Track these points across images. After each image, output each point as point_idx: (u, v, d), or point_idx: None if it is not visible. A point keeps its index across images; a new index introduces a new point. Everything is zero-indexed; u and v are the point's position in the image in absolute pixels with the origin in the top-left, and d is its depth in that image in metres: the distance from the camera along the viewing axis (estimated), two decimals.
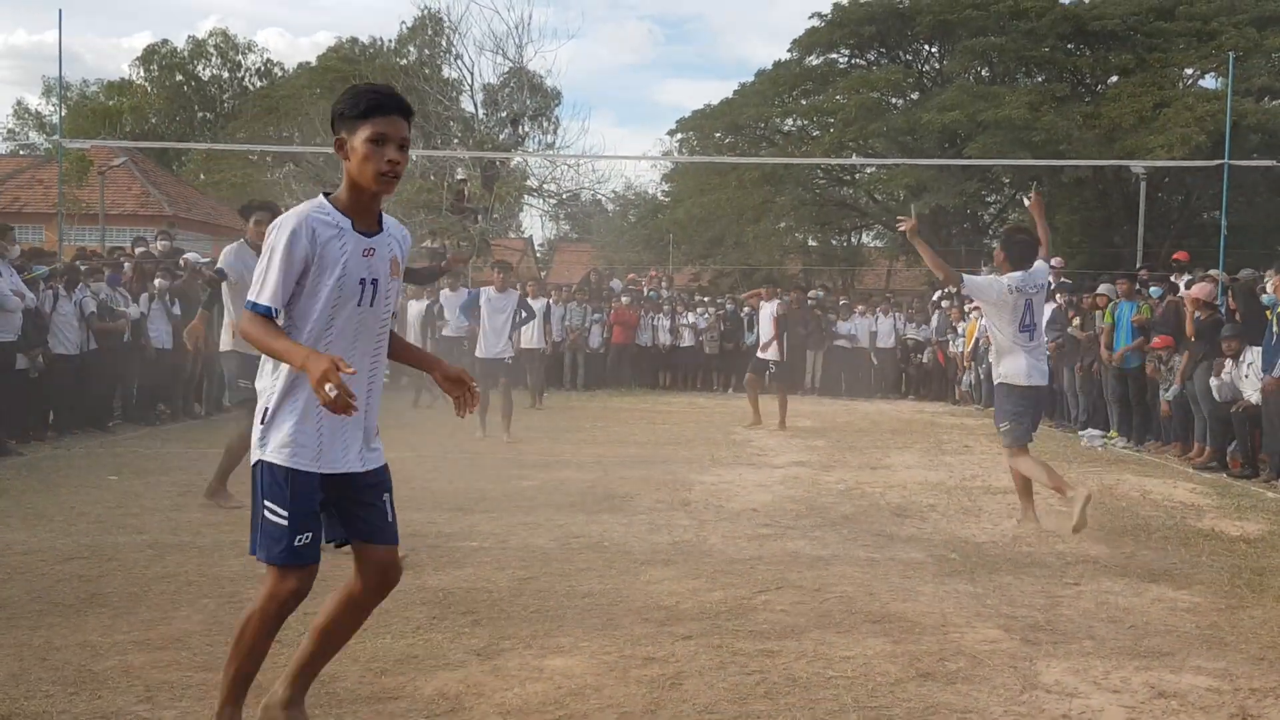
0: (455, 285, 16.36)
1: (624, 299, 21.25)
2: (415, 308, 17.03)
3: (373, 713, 3.82)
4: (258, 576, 5.56)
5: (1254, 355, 10.01)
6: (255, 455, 3.33)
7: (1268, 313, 9.81)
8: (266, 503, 3.31)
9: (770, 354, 13.91)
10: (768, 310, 14.08)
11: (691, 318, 21.43)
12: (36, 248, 13.88)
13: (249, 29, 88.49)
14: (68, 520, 7.04)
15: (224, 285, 7.48)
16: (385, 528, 3.52)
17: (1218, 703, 4.05)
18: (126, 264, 13.14)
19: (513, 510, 7.65)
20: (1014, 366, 7.31)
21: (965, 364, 18.63)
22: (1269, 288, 10.07)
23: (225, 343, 7.49)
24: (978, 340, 17.97)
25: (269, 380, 3.33)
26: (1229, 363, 10.35)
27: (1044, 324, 7.96)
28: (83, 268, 12.02)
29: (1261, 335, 9.87)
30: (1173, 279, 14.03)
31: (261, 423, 3.31)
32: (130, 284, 12.70)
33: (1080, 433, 13.22)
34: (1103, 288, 13.83)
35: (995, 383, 7.66)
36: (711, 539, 6.81)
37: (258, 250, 6.06)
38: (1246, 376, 10.12)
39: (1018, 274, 7.26)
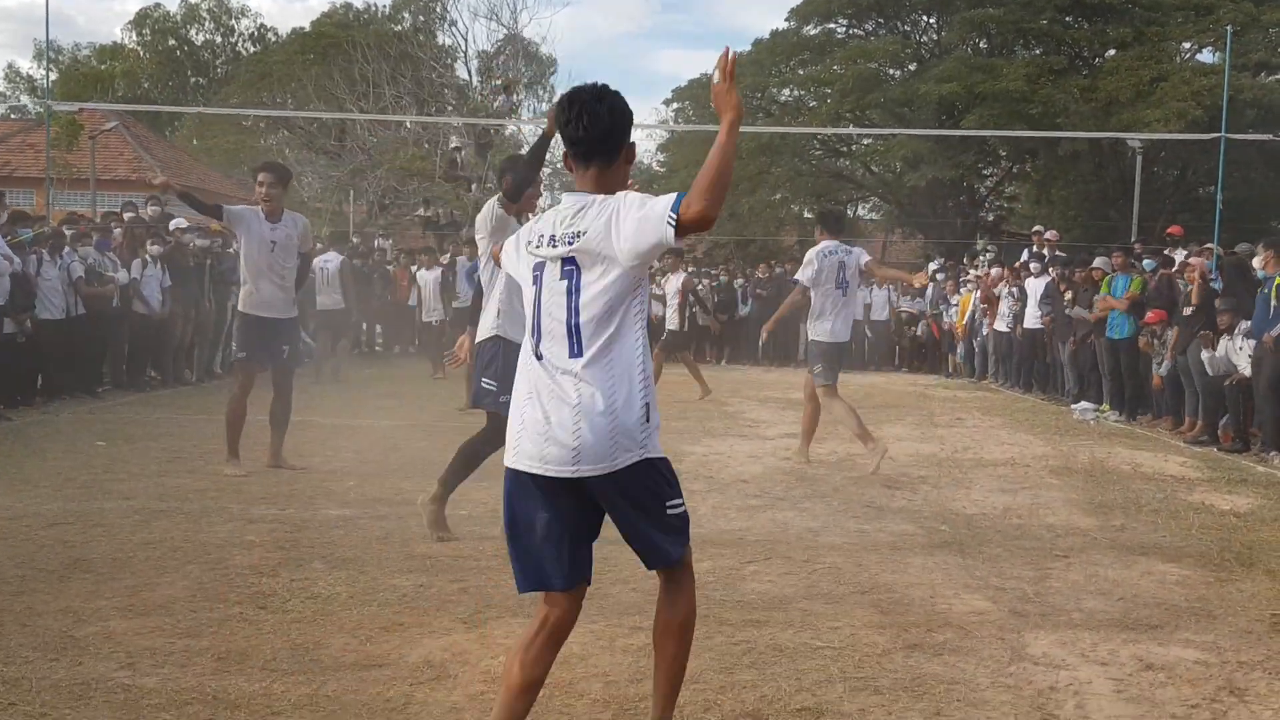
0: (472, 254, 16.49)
1: None
2: (429, 276, 17.18)
3: (358, 680, 3.79)
4: (244, 543, 5.56)
5: (1246, 328, 10.00)
6: (646, 455, 3.08)
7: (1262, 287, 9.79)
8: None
9: (673, 324, 14.18)
10: (674, 282, 14.47)
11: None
12: (22, 210, 13.73)
13: None
14: (54, 486, 7.00)
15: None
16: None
17: (1205, 675, 4.04)
18: (117, 229, 13.03)
19: (502, 479, 7.59)
20: (822, 329, 8.43)
21: (960, 335, 18.61)
22: (1258, 262, 10.06)
23: (486, 328, 5.77)
24: (972, 313, 17.95)
25: (640, 383, 3.06)
26: (1224, 336, 10.34)
27: (855, 284, 8.63)
28: (69, 232, 11.90)
29: (1253, 309, 9.86)
30: (1166, 253, 13.98)
31: (646, 420, 3.07)
32: (120, 249, 12.60)
33: (1073, 406, 13.20)
34: (1097, 261, 13.79)
35: (810, 339, 8.71)
36: (701, 509, 6.78)
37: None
38: (1240, 349, 10.11)
39: (830, 242, 8.50)
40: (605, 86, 3.15)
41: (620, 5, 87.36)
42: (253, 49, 49.54)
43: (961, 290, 18.91)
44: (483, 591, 4.82)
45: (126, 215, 13.92)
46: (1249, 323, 9.90)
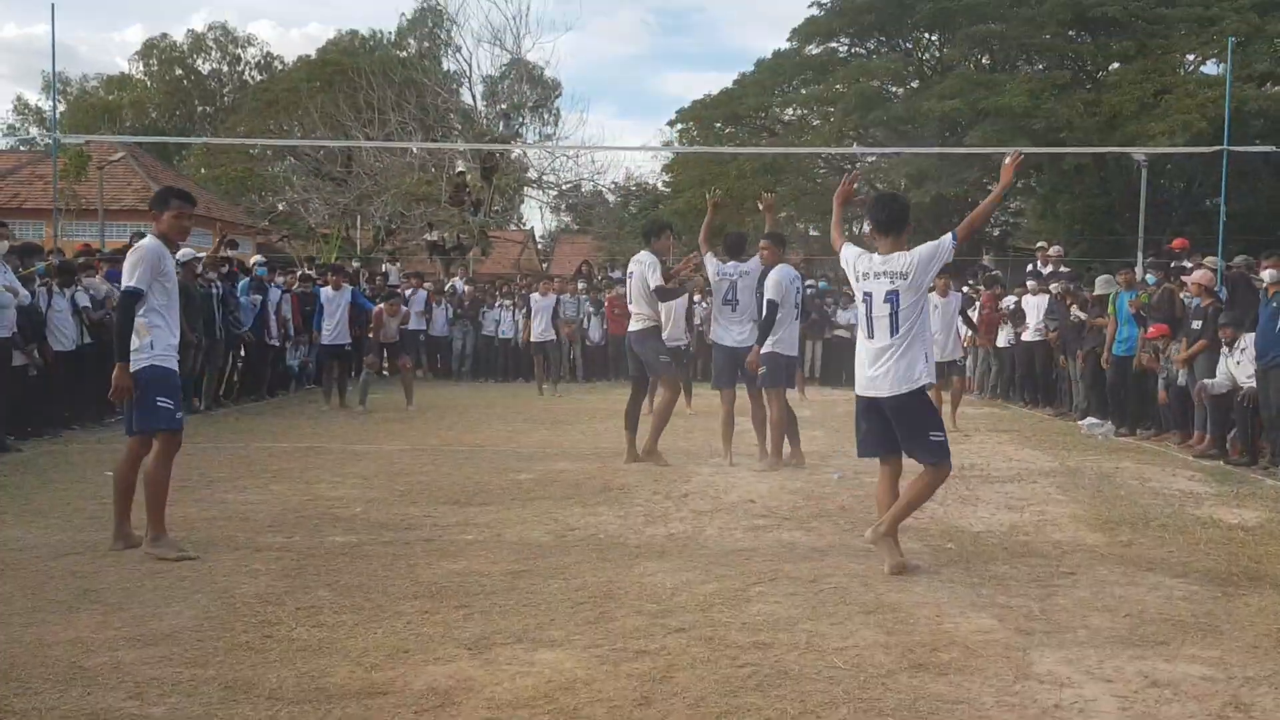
0: (545, 290, 18.67)
1: (619, 289, 21.24)
2: (545, 302, 18.26)
3: (362, 708, 3.80)
4: (250, 572, 5.58)
5: (1248, 342, 9.98)
6: None
7: (1270, 288, 9.76)
8: None
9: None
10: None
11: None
12: (31, 243, 13.83)
13: (240, 21, 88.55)
14: (63, 516, 7.04)
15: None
16: None
17: (1211, 691, 4.03)
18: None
19: (509, 503, 7.64)
20: (717, 332, 9.70)
21: (966, 347, 18.54)
22: (1264, 274, 10.04)
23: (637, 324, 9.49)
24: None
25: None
26: (1223, 351, 10.33)
27: (750, 302, 9.51)
28: (79, 260, 11.99)
29: (1256, 322, 9.84)
30: (1172, 264, 13.97)
31: None
32: None
33: (1080, 421, 13.18)
34: (1100, 281, 13.70)
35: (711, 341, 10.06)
36: (707, 530, 6.79)
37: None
38: (1239, 364, 10.09)
39: (731, 264, 9.56)
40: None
41: (622, 28, 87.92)
42: (259, 77, 49.92)
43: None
44: (488, 618, 4.83)
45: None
46: (1252, 335, 9.88)
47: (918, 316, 5.77)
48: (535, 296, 18.59)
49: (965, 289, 14.99)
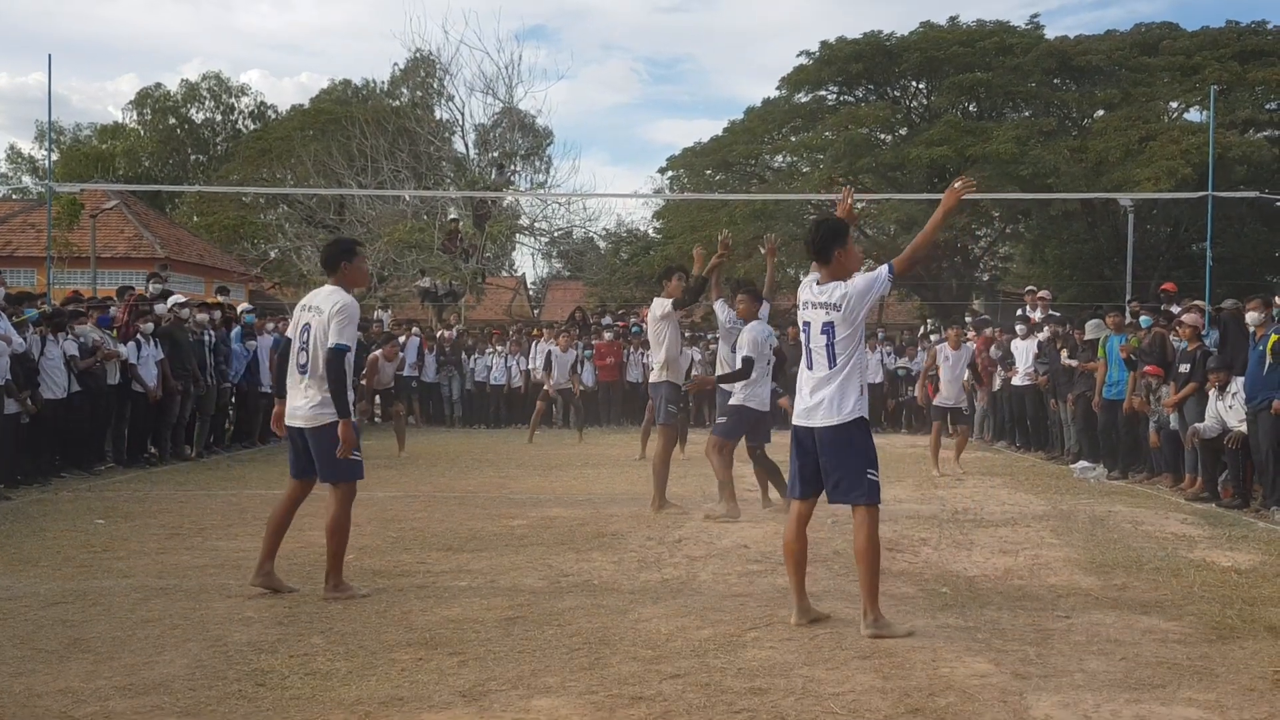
0: (565, 345, 18.80)
1: (607, 334, 21.32)
2: (567, 358, 18.53)
3: None
4: (243, 620, 5.54)
5: (1238, 385, 10.03)
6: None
7: (1257, 331, 9.84)
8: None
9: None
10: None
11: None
12: (25, 290, 13.85)
13: (232, 70, 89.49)
14: (53, 565, 6.99)
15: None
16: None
17: None
18: (114, 308, 13.13)
19: (502, 549, 7.61)
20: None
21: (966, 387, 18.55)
22: (1249, 318, 10.13)
23: (656, 375, 9.73)
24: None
25: None
26: (1212, 395, 10.38)
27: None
28: (69, 308, 12.00)
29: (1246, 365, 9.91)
30: (1163, 308, 14.06)
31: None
32: (124, 327, 12.71)
33: (1072, 465, 13.20)
34: (1090, 325, 13.77)
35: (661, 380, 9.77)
36: (701, 576, 6.78)
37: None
38: (1231, 407, 10.14)
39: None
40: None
41: (613, 77, 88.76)
42: (252, 126, 50.17)
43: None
44: (483, 664, 4.81)
45: (124, 295, 14.03)
46: (1242, 379, 9.94)
47: (855, 348, 5.57)
48: (555, 350, 18.63)
49: (969, 340, 15.00)
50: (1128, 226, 22.49)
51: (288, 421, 6.18)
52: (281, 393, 6.38)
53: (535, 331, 22.34)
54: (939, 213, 5.65)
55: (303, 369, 6.12)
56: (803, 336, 5.70)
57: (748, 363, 9.02)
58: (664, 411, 9.61)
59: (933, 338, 20.16)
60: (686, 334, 17.64)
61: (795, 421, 5.68)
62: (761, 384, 9.25)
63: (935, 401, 13.36)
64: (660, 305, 9.54)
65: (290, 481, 6.31)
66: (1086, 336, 13.66)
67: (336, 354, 6.02)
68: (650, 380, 9.84)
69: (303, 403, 6.12)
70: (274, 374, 6.79)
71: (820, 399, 5.55)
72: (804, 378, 5.68)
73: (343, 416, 6.04)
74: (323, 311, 6.10)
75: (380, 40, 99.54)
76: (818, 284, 5.66)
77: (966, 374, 13.49)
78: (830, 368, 5.56)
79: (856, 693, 4.44)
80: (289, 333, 6.38)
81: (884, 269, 5.60)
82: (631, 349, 21.17)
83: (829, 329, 5.57)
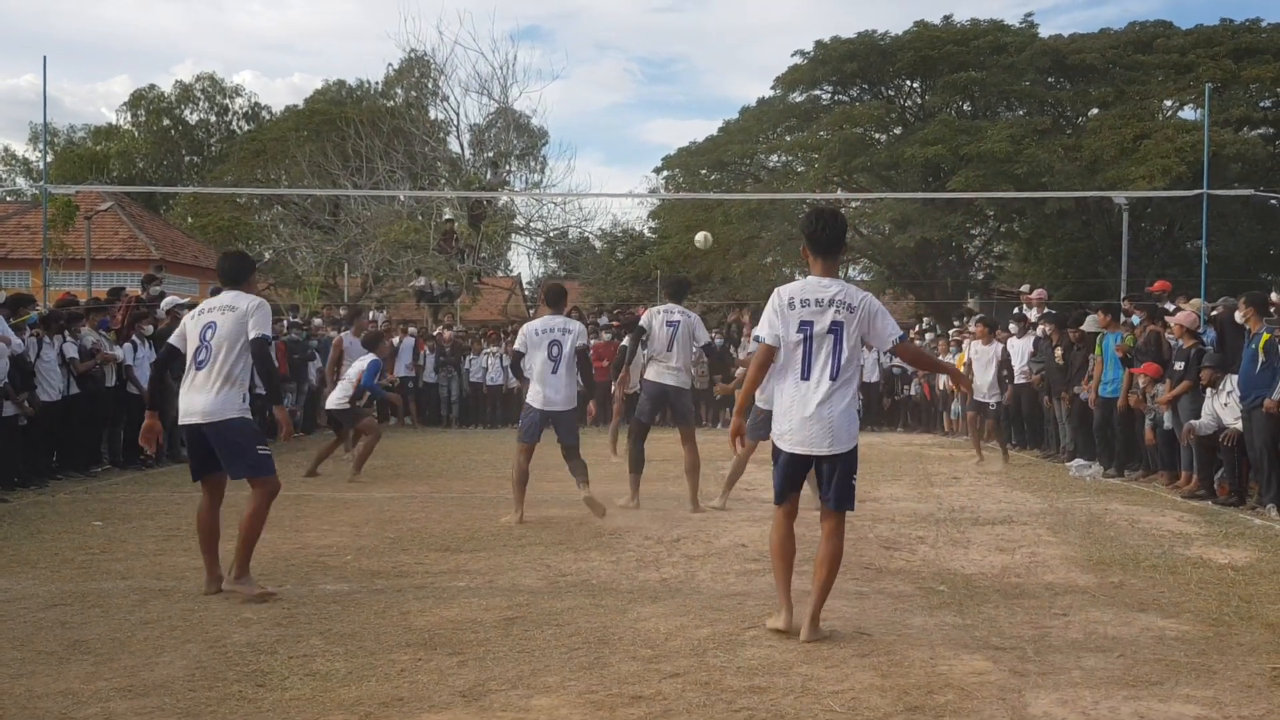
0: None
1: (604, 335, 21.30)
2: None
3: None
4: (242, 621, 5.54)
5: (1233, 383, 10.06)
6: None
7: (1251, 329, 9.87)
8: None
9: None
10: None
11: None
12: (20, 292, 13.83)
13: (225, 71, 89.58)
14: (51, 567, 6.99)
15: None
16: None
17: None
18: (115, 308, 13.13)
19: (500, 549, 7.62)
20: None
21: (959, 391, 18.60)
22: (1238, 317, 10.16)
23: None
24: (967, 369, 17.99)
25: None
26: (1209, 392, 10.40)
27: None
28: (68, 310, 11.99)
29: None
30: (1158, 305, 14.09)
31: None
32: (121, 330, 12.69)
33: (1068, 464, 13.23)
34: (1088, 320, 13.83)
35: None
36: (700, 575, 6.79)
37: None
38: (1226, 405, 10.16)
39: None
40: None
41: (608, 77, 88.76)
42: (247, 127, 50.13)
43: (952, 350, 18.99)
44: (482, 664, 4.81)
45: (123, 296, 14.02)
46: (1236, 376, 9.96)
47: (858, 359, 5.22)
48: None
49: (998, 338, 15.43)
50: (1122, 225, 22.53)
51: (184, 421, 6.13)
52: (155, 405, 6.41)
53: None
54: (952, 374, 6.67)
55: (201, 364, 6.09)
56: (798, 339, 5.15)
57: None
58: (691, 417, 9.98)
59: (928, 336, 20.18)
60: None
61: (790, 449, 5.20)
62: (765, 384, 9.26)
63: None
64: (697, 319, 9.82)
65: (202, 487, 6.30)
66: (1085, 328, 13.68)
67: (263, 344, 6.14)
68: (670, 383, 9.68)
69: (201, 399, 6.06)
70: (151, 385, 6.72)
71: (825, 424, 5.12)
72: (792, 393, 5.19)
73: (276, 403, 6.48)
74: (237, 308, 6.16)
75: (374, 41, 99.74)
76: (819, 280, 5.23)
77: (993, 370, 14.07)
78: (833, 379, 5.12)
79: (855, 691, 4.45)
80: (174, 341, 6.31)
81: (898, 333, 5.29)
82: None
83: (837, 330, 5.10)
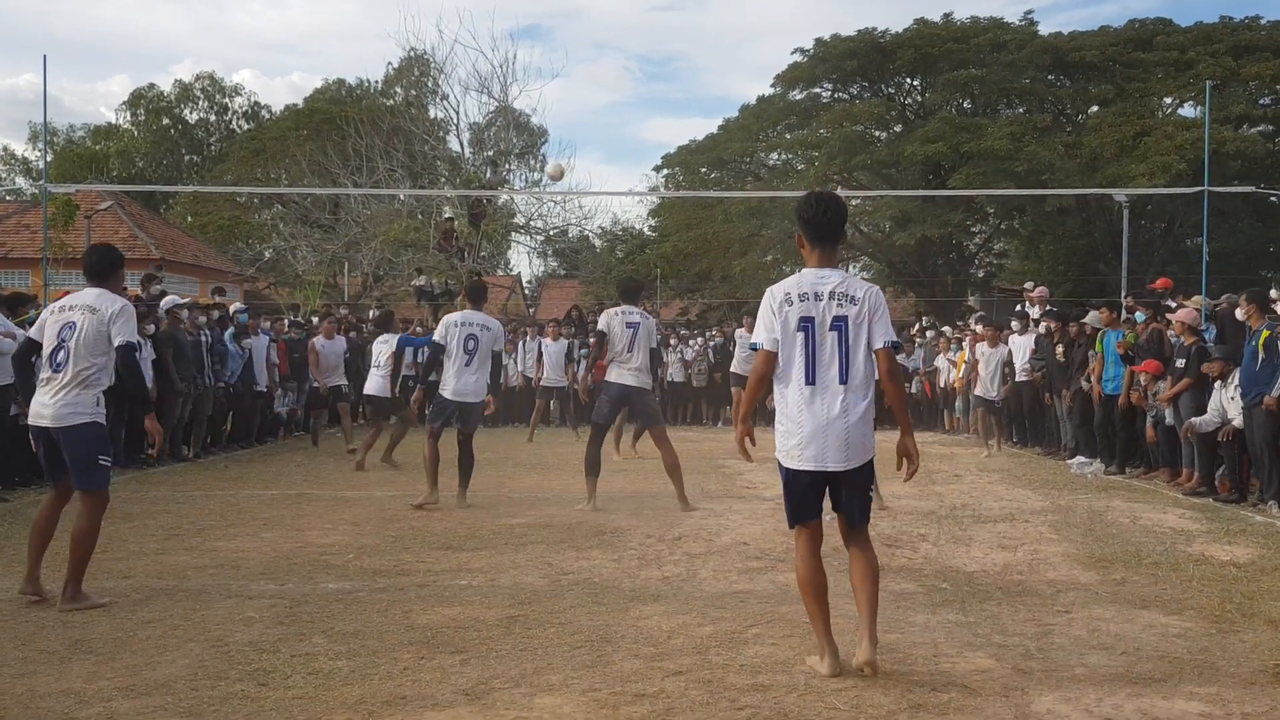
0: (554, 335, 19.34)
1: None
2: (555, 347, 18.99)
3: None
4: (244, 620, 5.54)
5: (1238, 378, 10.05)
6: None
7: (1252, 325, 9.87)
8: None
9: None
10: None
11: (681, 350, 21.55)
12: (20, 291, 13.82)
13: (224, 70, 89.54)
14: (52, 566, 6.95)
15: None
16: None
17: None
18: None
19: (502, 548, 7.61)
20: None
21: (959, 390, 18.61)
22: (1239, 314, 10.15)
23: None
24: (968, 369, 17.99)
25: None
26: (1215, 387, 10.39)
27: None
28: None
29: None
30: (1160, 302, 14.09)
31: None
32: None
33: (1069, 461, 13.22)
34: (1089, 316, 13.83)
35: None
36: (702, 573, 6.78)
37: None
38: (1233, 399, 10.15)
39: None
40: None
41: (607, 76, 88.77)
42: (246, 126, 50.13)
43: (954, 348, 18.97)
44: (485, 663, 4.81)
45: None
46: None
47: (868, 357, 4.65)
48: (546, 342, 19.12)
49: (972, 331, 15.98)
50: (1123, 222, 22.54)
51: (33, 422, 6.01)
52: (27, 395, 6.24)
53: (518, 328, 22.31)
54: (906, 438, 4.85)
55: (58, 367, 5.94)
56: (799, 338, 4.63)
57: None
58: (659, 416, 10.19)
59: (928, 334, 20.16)
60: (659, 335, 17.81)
61: (800, 465, 4.65)
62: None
63: (976, 392, 15.34)
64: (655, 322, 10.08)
65: (50, 490, 6.20)
66: (1086, 320, 13.68)
67: (129, 350, 6.01)
68: (631, 384, 9.64)
69: (52, 401, 5.93)
70: (19, 380, 6.58)
71: (840, 437, 4.62)
72: (797, 401, 4.65)
73: (147, 413, 6.32)
74: (99, 311, 5.97)
75: (373, 40, 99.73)
76: (816, 272, 4.74)
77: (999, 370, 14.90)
78: (843, 383, 4.61)
79: (859, 688, 4.45)
80: (33, 334, 6.17)
81: (893, 343, 4.72)
82: None
83: (841, 325, 4.61)
